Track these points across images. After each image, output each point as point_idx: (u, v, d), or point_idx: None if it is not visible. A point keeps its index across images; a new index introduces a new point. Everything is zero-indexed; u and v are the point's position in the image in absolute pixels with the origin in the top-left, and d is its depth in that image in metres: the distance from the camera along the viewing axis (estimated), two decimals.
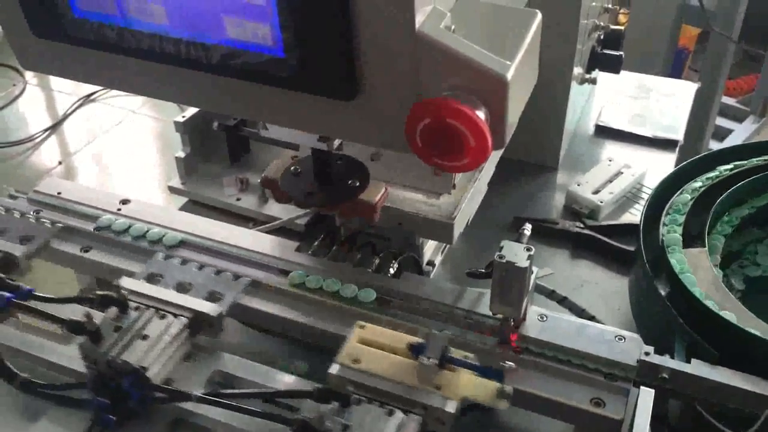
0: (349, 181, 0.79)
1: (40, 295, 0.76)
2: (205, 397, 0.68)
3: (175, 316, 0.76)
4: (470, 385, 0.69)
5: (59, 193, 1.00)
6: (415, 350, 0.71)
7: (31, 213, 0.97)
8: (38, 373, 0.76)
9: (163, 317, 0.76)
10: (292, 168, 0.82)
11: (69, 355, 0.76)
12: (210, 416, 0.70)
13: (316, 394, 0.67)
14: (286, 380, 0.74)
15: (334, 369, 0.71)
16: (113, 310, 0.74)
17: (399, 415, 0.68)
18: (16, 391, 0.73)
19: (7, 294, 0.74)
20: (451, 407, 0.67)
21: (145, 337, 0.73)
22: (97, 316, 0.72)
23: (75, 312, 0.73)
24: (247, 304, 0.84)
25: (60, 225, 0.95)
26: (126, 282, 0.81)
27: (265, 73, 0.56)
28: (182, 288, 0.84)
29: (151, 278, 0.85)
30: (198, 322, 0.77)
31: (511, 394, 0.68)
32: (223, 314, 0.79)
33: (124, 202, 0.98)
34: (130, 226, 0.93)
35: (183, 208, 1.16)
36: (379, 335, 0.74)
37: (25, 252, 0.90)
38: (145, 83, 0.65)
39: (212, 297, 0.83)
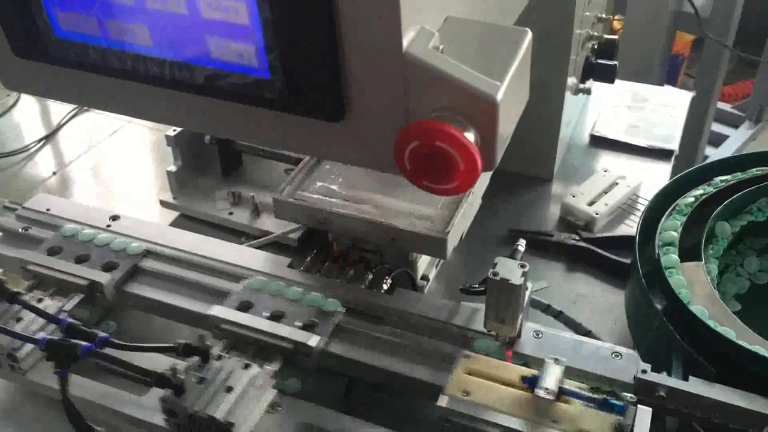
0: None
1: (117, 342, 0.71)
2: None
3: (260, 366, 0.73)
4: (587, 418, 0.67)
5: (48, 210, 0.99)
6: (528, 382, 0.69)
7: (20, 230, 0.96)
8: (112, 425, 0.73)
9: (247, 367, 0.72)
10: None
11: (147, 407, 0.73)
12: None
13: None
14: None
15: (443, 401, 0.68)
16: (195, 360, 0.71)
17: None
18: None
19: (86, 343, 0.70)
20: None
21: (229, 389, 0.70)
22: (179, 365, 0.69)
23: (153, 360, 0.71)
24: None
25: None
26: (217, 311, 0.78)
27: (251, 95, 0.55)
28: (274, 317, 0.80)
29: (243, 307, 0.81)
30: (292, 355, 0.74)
31: (630, 427, 0.66)
32: (322, 346, 0.76)
33: (114, 218, 0.97)
34: (112, 240, 0.92)
35: (175, 223, 1.15)
36: (487, 365, 0.72)
37: None
38: (129, 104, 0.64)
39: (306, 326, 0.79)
